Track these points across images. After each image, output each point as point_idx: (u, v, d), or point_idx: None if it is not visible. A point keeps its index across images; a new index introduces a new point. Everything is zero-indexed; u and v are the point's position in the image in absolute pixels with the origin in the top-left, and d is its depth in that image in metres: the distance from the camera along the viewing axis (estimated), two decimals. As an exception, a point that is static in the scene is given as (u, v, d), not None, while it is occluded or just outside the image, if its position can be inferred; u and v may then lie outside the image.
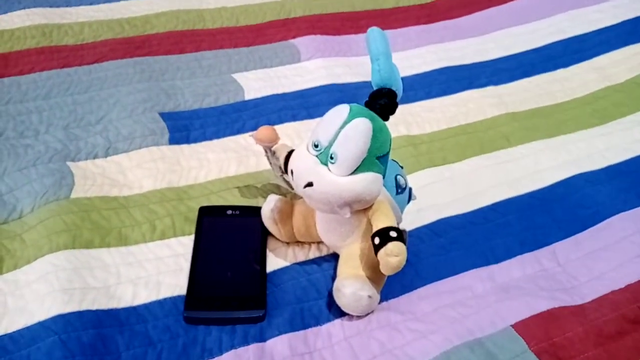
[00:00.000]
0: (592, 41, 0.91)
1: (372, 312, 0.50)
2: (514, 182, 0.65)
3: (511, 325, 0.48)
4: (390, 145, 0.48)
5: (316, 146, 0.47)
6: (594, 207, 0.62)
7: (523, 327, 0.48)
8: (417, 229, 0.58)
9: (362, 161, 0.46)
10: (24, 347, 0.45)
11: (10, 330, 0.46)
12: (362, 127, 0.46)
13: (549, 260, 0.56)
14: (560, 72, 0.85)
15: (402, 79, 0.50)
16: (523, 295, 0.51)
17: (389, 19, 0.93)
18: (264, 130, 0.56)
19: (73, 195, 0.58)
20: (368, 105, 0.49)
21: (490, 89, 0.80)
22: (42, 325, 0.46)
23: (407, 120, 0.72)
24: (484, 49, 0.88)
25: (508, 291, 0.52)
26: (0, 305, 0.48)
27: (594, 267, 0.55)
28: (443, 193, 0.63)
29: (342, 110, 0.47)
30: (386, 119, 0.49)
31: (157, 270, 0.52)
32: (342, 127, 0.46)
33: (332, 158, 0.46)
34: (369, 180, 0.47)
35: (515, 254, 0.56)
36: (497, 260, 0.56)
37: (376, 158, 0.47)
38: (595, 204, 0.62)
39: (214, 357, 0.46)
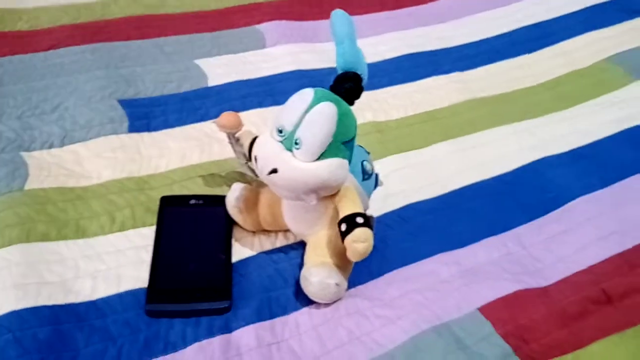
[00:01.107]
0: (557, 26, 0.92)
1: (340, 299, 0.49)
2: (480, 167, 0.65)
3: (477, 309, 0.48)
4: (355, 130, 0.48)
5: (280, 131, 0.46)
6: (556, 191, 0.63)
7: (489, 310, 0.48)
8: (385, 215, 0.58)
9: (328, 146, 0.46)
10: (-24, 346, 0.43)
11: (-40, 329, 0.44)
12: (327, 111, 0.45)
13: (514, 244, 0.56)
14: (525, 58, 0.85)
15: (368, 65, 0.49)
16: (488, 279, 0.51)
17: (354, 4, 0.92)
18: (226, 116, 0.55)
19: (27, 187, 0.55)
20: (333, 89, 0.48)
21: (456, 75, 0.80)
22: (-5, 323, 0.44)
23: (373, 106, 0.72)
24: (449, 35, 0.88)
25: (474, 275, 0.52)
26: (-51, 303, 0.46)
27: (557, 250, 0.56)
28: (410, 179, 0.63)
29: (306, 95, 0.46)
30: (351, 103, 0.48)
31: (117, 263, 0.50)
32: (306, 111, 0.45)
33: (296, 143, 0.45)
34: (334, 166, 0.46)
35: (481, 238, 0.57)
36: (464, 244, 0.56)
37: (342, 143, 0.46)
38: (558, 187, 0.63)
39: (177, 351, 0.45)
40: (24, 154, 0.59)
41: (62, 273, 0.49)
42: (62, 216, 0.53)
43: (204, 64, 0.75)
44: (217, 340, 0.45)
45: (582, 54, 0.86)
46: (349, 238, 0.46)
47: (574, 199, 0.61)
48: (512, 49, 0.87)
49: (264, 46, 0.80)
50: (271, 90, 0.72)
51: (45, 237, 0.51)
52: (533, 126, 0.72)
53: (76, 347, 0.44)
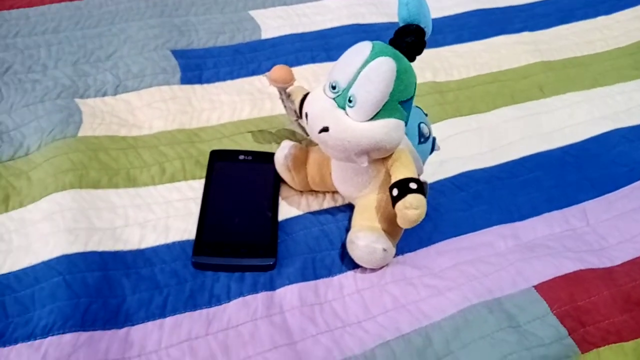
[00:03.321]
0: (639, -14, 0.84)
1: (387, 265, 0.48)
2: (545, 136, 0.61)
3: (533, 286, 0.46)
4: (415, 89, 0.45)
5: (334, 88, 0.44)
6: (630, 165, 0.58)
7: (546, 289, 0.45)
8: (439, 182, 0.55)
9: (384, 105, 0.43)
10: (28, 286, 0.44)
11: (14, 269, 0.45)
12: (384, 67, 0.42)
13: (578, 219, 0.53)
14: (601, 20, 0.79)
15: (431, 20, 0.46)
16: (548, 255, 0.48)
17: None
18: (278, 70, 0.53)
19: (81, 134, 0.56)
20: (393, 43, 0.45)
21: (526, 34, 0.75)
22: (47, 265, 0.45)
23: (434, 65, 0.68)
24: (520, -9, 0.82)
25: (532, 250, 0.49)
26: (5, 243, 0.47)
27: (626, 229, 0.52)
28: (469, 145, 0.59)
29: (363, 48, 0.43)
30: (412, 59, 0.45)
31: (166, 213, 0.50)
32: (362, 67, 0.43)
33: (350, 101, 0.43)
34: (389, 127, 0.44)
35: (541, 212, 0.53)
36: (523, 217, 0.53)
37: (399, 103, 0.44)
38: (632, 161, 0.59)
39: (221, 304, 0.45)
40: (78, 101, 0.59)
41: (112, 220, 0.49)
42: (113, 164, 0.53)
43: (258, 15, 0.73)
44: (260, 297, 0.45)
45: (666, 17, 0.78)
46: (400, 204, 0.43)
47: (648, 175, 0.57)
48: (587, 10, 0.80)
49: (320, -3, 0.77)
50: (326, 45, 0.70)
51: (96, 184, 0.51)
52: (606, 94, 0.67)
53: (123, 294, 0.44)
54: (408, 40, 0.44)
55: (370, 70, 0.42)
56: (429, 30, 0.45)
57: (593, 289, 0.46)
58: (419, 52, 0.45)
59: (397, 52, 0.44)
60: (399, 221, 0.44)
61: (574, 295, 0.45)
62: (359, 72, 0.43)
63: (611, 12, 0.80)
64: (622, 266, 0.48)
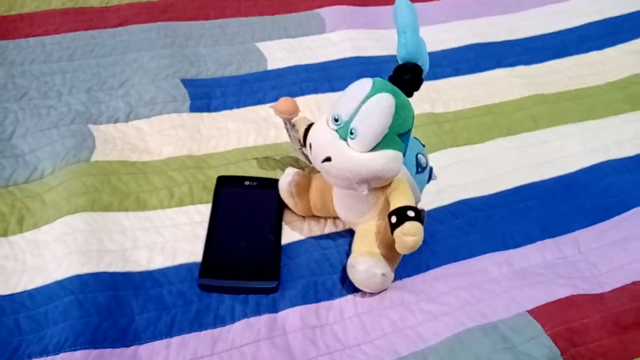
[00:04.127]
0: (630, 23, 0.87)
1: (386, 290, 0.50)
2: (538, 166, 0.63)
3: (527, 311, 0.47)
4: (412, 122, 0.47)
5: (336, 120, 0.47)
6: (620, 196, 0.60)
7: (539, 313, 0.47)
8: (436, 210, 0.57)
9: (383, 138, 0.45)
10: (42, 304, 0.46)
11: (29, 288, 0.47)
12: (384, 102, 0.45)
13: (569, 247, 0.55)
14: (593, 55, 0.82)
15: (430, 54, 0.49)
16: (541, 282, 0.50)
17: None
18: (284, 102, 0.55)
19: (93, 158, 0.58)
20: (392, 80, 0.47)
21: (520, 68, 0.77)
22: (60, 285, 0.47)
23: (432, 97, 0.71)
24: (516, 27, 0.85)
25: (525, 277, 0.51)
26: (20, 263, 0.49)
27: (616, 257, 0.54)
28: (464, 174, 0.62)
29: (364, 84, 0.46)
30: (410, 95, 0.48)
31: (174, 236, 0.53)
32: (363, 101, 0.45)
33: (352, 133, 0.46)
34: (388, 158, 0.46)
35: (534, 240, 0.55)
36: (516, 245, 0.55)
37: (397, 135, 0.46)
38: (621, 192, 0.61)
39: (226, 325, 0.46)
40: (92, 127, 0.62)
41: (122, 243, 0.51)
42: (124, 188, 0.56)
43: (264, 47, 0.76)
44: (263, 318, 0.47)
45: (656, 53, 0.81)
46: (398, 231, 0.46)
47: (638, 205, 0.59)
48: (581, 45, 0.83)
49: (323, 31, 0.80)
50: (329, 76, 0.72)
51: (108, 207, 0.54)
52: (598, 127, 0.69)
53: (132, 313, 0.46)
54: (406, 77, 0.47)
55: (370, 105, 0.45)
56: (426, 68, 0.48)
57: (585, 311, 0.47)
58: (417, 89, 0.48)
59: (396, 88, 0.46)
60: (397, 247, 0.46)
61: (566, 317, 0.46)
62: (360, 107, 0.45)
63: (603, 48, 0.83)
64: (612, 292, 0.50)
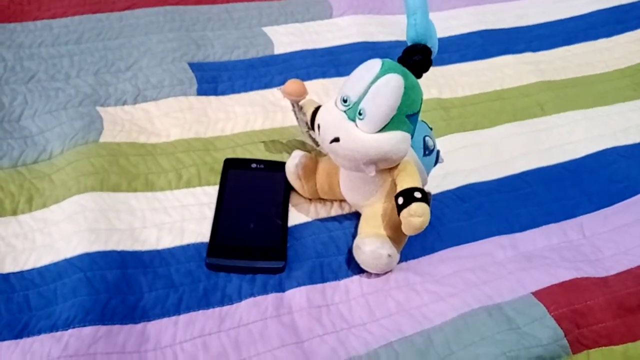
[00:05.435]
0: (638, 11, 0.86)
1: (391, 271, 0.50)
2: (544, 152, 0.63)
3: (531, 293, 0.47)
4: (421, 104, 0.47)
5: (345, 101, 0.47)
6: (625, 182, 0.60)
7: (544, 295, 0.47)
8: (442, 193, 0.58)
9: (391, 119, 0.46)
10: (51, 281, 0.46)
11: (38, 265, 0.48)
12: (393, 83, 0.45)
13: (575, 232, 0.55)
14: (601, 42, 0.81)
15: (438, 40, 0.49)
16: (545, 264, 0.50)
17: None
18: (292, 84, 0.56)
19: (102, 140, 0.58)
20: (401, 61, 0.47)
21: (528, 55, 0.77)
22: (69, 262, 0.47)
23: (440, 82, 0.71)
24: (524, 13, 0.85)
25: (530, 260, 0.51)
26: (29, 241, 0.49)
27: (621, 242, 0.54)
28: (471, 159, 0.62)
29: (373, 65, 0.46)
30: (419, 76, 0.48)
31: (182, 217, 0.53)
32: (372, 82, 0.45)
33: (360, 114, 0.46)
34: (396, 139, 0.46)
35: (540, 224, 0.55)
36: (522, 228, 0.55)
37: (406, 116, 0.46)
38: (627, 178, 0.61)
39: (233, 303, 0.47)
40: (100, 109, 0.62)
41: (131, 222, 0.52)
42: (132, 169, 0.56)
43: (271, 31, 0.76)
44: (270, 298, 0.47)
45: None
46: (405, 212, 0.46)
47: (644, 191, 0.59)
48: (589, 32, 0.83)
49: (330, 16, 0.80)
50: (335, 61, 0.73)
51: (116, 188, 0.54)
52: (605, 114, 0.69)
53: (140, 291, 0.47)
54: (415, 58, 0.47)
55: (379, 86, 0.45)
56: (435, 49, 0.48)
57: (589, 294, 0.47)
58: (426, 70, 0.48)
59: (405, 69, 0.46)
60: (404, 228, 0.47)
61: (570, 299, 0.47)
62: (369, 87, 0.45)
63: (611, 35, 0.82)
64: (617, 275, 0.50)
